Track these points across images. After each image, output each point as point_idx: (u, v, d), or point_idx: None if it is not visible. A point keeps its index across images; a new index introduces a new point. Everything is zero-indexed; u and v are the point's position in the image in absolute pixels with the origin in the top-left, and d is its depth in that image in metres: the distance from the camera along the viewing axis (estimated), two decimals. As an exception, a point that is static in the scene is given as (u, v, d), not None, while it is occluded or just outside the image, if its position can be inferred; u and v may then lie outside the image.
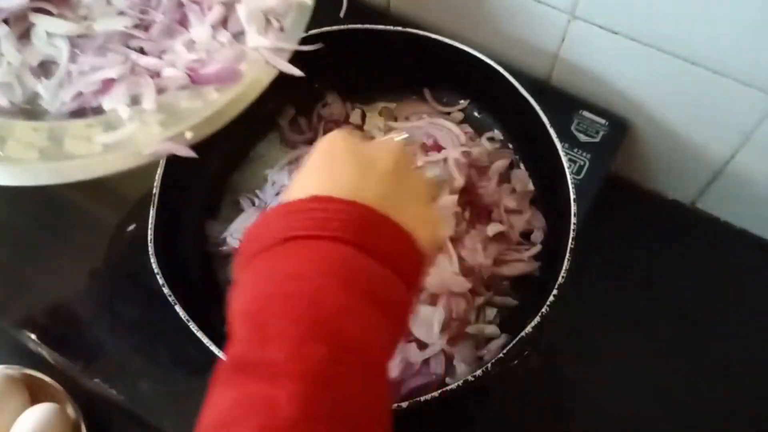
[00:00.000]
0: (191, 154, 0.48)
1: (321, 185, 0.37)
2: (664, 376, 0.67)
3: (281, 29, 0.51)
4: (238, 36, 0.51)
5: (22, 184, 0.46)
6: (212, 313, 0.59)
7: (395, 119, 0.71)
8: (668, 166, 0.75)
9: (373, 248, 0.35)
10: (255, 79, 0.50)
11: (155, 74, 0.50)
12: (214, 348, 0.52)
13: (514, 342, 0.54)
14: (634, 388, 0.66)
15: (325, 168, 0.39)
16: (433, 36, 0.67)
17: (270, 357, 0.30)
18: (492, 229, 0.64)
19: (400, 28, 0.68)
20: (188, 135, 0.48)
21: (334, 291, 0.33)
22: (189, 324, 0.54)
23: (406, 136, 0.43)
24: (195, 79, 0.50)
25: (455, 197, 0.61)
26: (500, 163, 0.69)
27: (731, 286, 0.72)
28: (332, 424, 0.30)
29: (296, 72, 0.52)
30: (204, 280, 0.65)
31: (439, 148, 0.68)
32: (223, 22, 0.51)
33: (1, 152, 0.45)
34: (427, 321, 0.59)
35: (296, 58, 0.69)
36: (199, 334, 0.53)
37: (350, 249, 0.34)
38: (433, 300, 0.60)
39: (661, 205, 0.78)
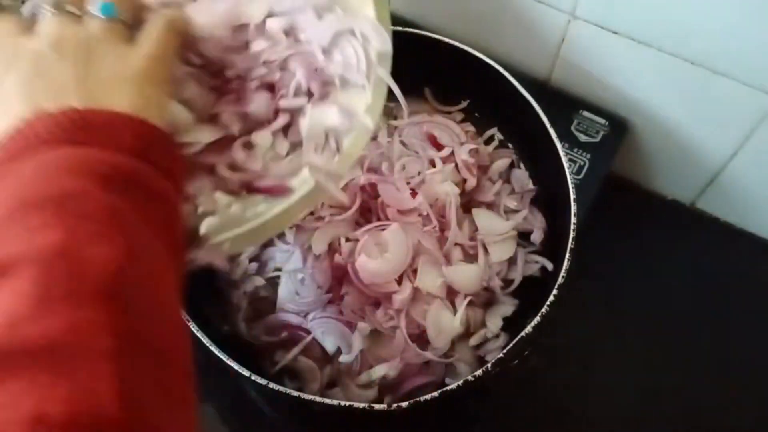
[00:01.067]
0: (227, 267, 0.45)
1: (18, 108, 0.34)
2: (664, 376, 0.67)
3: (338, 150, 0.46)
4: (296, 147, 0.46)
5: None
6: (212, 313, 0.59)
7: (395, 118, 0.71)
8: (668, 166, 0.75)
9: (90, 139, 0.33)
10: (304, 196, 0.44)
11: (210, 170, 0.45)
12: (214, 348, 0.52)
13: (514, 342, 0.54)
14: (633, 388, 0.66)
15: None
16: (434, 36, 0.67)
17: (2, 254, 0.28)
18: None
19: (400, 28, 0.68)
20: (226, 246, 0.43)
21: (60, 180, 0.31)
22: (189, 324, 0.54)
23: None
24: (248, 189, 0.45)
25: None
26: (500, 163, 0.69)
27: (731, 286, 0.72)
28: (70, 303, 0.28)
29: (343, 199, 0.51)
30: (204, 279, 0.65)
31: (439, 146, 0.68)
32: (284, 130, 0.47)
33: None
34: (446, 326, 0.59)
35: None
36: (199, 334, 0.53)
37: (66, 146, 0.32)
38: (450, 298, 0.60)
39: (661, 205, 0.78)
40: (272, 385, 0.51)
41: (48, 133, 0.33)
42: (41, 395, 0.25)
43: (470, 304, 0.60)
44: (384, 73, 0.46)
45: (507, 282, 0.63)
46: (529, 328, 0.54)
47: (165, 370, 0.29)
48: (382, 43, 0.46)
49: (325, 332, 0.59)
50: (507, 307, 0.62)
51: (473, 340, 0.61)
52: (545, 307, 0.54)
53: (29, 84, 0.35)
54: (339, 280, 0.60)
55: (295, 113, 0.46)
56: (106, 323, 0.28)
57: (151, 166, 0.34)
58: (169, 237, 0.34)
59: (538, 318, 0.54)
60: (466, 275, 0.60)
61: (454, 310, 0.60)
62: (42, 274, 0.28)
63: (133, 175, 0.33)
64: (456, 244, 0.61)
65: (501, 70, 0.65)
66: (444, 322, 0.59)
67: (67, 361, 0.26)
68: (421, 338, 0.59)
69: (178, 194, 0.37)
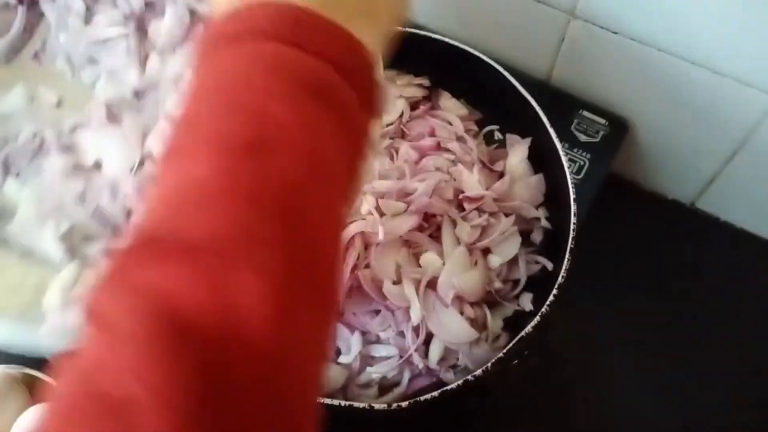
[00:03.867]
0: None
1: None
2: (664, 376, 0.67)
3: None
4: None
5: None
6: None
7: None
8: (668, 166, 0.75)
9: (312, 47, 0.31)
10: None
11: None
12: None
13: (514, 342, 0.54)
14: (633, 388, 0.66)
15: None
16: (433, 36, 0.67)
17: (193, 142, 0.28)
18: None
19: (399, 28, 0.68)
20: None
21: (263, 80, 0.29)
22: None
23: None
24: None
25: None
26: (500, 163, 0.69)
27: (731, 286, 0.72)
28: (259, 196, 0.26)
29: None
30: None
31: (437, 145, 0.67)
32: None
33: None
34: (455, 331, 0.58)
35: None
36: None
37: (282, 45, 0.30)
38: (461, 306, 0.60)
39: (661, 205, 0.78)
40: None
41: (270, 25, 0.30)
42: (184, 287, 0.23)
43: (477, 306, 0.60)
44: None
45: (509, 283, 0.63)
46: (529, 328, 0.54)
47: (321, 310, 0.28)
48: None
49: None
50: (507, 307, 0.62)
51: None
52: (545, 307, 0.54)
53: None
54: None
55: None
56: (277, 239, 0.26)
57: (362, 103, 0.32)
58: (353, 176, 0.32)
59: (538, 318, 0.54)
60: (472, 281, 0.60)
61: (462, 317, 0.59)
62: (227, 169, 0.26)
63: (340, 96, 0.31)
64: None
65: (501, 69, 0.65)
66: (454, 330, 0.59)
67: (224, 260, 0.24)
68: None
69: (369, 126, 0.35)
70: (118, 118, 0.47)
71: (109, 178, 0.46)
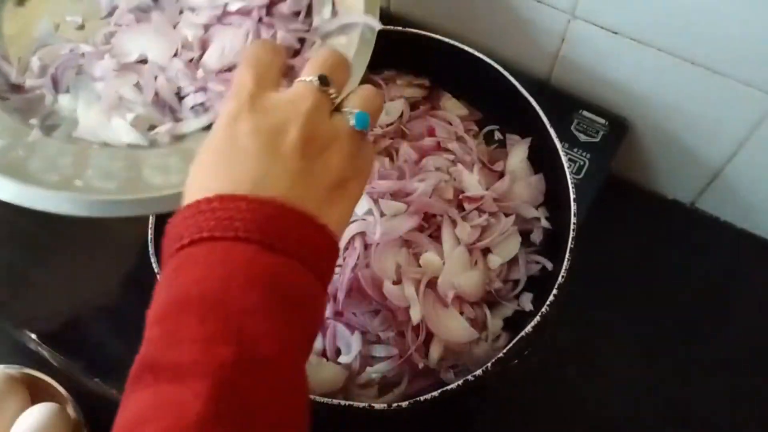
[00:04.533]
0: None
1: (222, 181, 0.36)
2: (664, 376, 0.67)
3: None
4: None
5: (101, 215, 0.45)
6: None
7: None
8: (668, 166, 0.75)
9: (279, 245, 0.34)
10: None
11: None
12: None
13: (514, 342, 0.54)
14: (633, 388, 0.66)
15: (226, 160, 0.37)
16: (433, 36, 0.67)
17: (179, 359, 0.31)
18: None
19: (400, 28, 0.68)
20: None
21: (239, 291, 0.32)
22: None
23: (312, 79, 0.39)
24: None
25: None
26: (500, 163, 0.69)
27: (731, 286, 0.72)
28: (242, 423, 0.30)
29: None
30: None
31: (437, 145, 0.67)
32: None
33: (80, 182, 0.45)
34: (456, 331, 0.58)
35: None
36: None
37: (255, 247, 0.34)
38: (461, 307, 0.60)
39: (661, 206, 0.78)
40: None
41: (243, 228, 0.34)
42: None
43: (477, 306, 0.60)
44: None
45: (509, 283, 0.63)
46: (529, 328, 0.54)
47: None
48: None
49: (325, 333, 0.59)
50: (507, 307, 0.62)
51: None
52: (545, 307, 0.54)
53: (255, 154, 0.36)
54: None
55: None
56: None
57: (322, 286, 0.36)
58: (310, 347, 0.37)
59: (538, 318, 0.54)
60: (472, 281, 0.60)
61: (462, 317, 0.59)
62: (213, 392, 0.30)
63: (308, 298, 0.35)
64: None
65: (501, 69, 0.65)
66: (454, 330, 0.59)
67: None
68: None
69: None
70: (146, 17, 0.53)
71: (157, 66, 0.51)
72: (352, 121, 0.39)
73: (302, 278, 0.35)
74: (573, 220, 0.58)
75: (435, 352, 0.58)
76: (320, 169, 0.37)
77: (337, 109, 0.39)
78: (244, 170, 0.36)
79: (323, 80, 0.39)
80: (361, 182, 0.40)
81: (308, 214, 0.36)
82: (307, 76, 0.39)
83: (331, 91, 0.39)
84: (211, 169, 0.37)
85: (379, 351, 0.59)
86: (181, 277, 0.34)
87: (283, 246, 0.34)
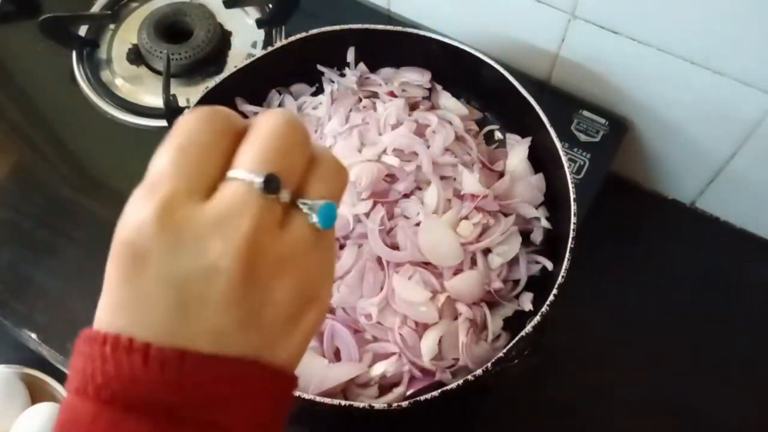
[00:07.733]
0: None
1: (124, 320, 0.27)
2: (664, 376, 0.67)
3: None
4: None
5: None
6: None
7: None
8: (668, 166, 0.76)
9: (187, 413, 0.26)
10: None
11: None
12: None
13: (514, 342, 0.54)
14: (633, 388, 0.66)
15: (128, 288, 0.27)
16: (433, 36, 0.67)
17: None
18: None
19: (400, 28, 0.68)
20: None
21: None
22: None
23: (254, 180, 0.26)
24: None
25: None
26: (500, 163, 0.69)
27: (731, 286, 0.72)
28: None
29: None
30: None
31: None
32: None
33: None
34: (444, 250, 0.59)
35: (295, 55, 0.69)
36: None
37: (149, 425, 0.25)
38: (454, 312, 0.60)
39: (660, 205, 0.78)
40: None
41: (136, 394, 0.25)
42: None
43: (477, 306, 0.60)
44: None
45: (509, 283, 0.63)
46: (529, 328, 0.54)
47: None
48: None
49: (325, 333, 0.59)
50: (507, 307, 0.62)
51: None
52: (545, 307, 0.54)
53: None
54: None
55: None
56: None
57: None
58: None
59: (538, 318, 0.54)
60: (467, 283, 0.60)
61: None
62: None
63: None
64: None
65: (501, 69, 0.65)
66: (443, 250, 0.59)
67: None
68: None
69: None
70: None
71: None
72: (314, 219, 0.28)
73: None
74: (573, 220, 0.58)
75: (428, 346, 0.58)
76: (269, 311, 0.27)
77: (291, 201, 0.28)
78: (152, 320, 0.26)
79: (271, 184, 0.26)
80: (323, 302, 0.30)
81: (245, 370, 0.27)
82: (247, 170, 0.27)
83: (283, 195, 0.27)
84: (112, 292, 0.28)
85: (379, 351, 0.59)
86: None
87: (193, 414, 0.25)
